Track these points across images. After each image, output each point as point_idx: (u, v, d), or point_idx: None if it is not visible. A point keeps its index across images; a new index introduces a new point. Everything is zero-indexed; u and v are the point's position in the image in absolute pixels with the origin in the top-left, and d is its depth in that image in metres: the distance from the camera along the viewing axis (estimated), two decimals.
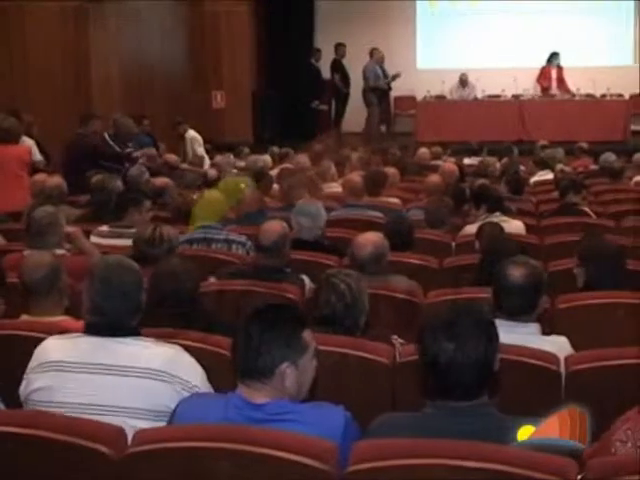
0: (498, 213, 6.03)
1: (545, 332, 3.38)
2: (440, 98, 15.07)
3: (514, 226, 5.91)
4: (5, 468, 2.50)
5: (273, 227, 4.56)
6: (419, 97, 15.06)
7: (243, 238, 5.39)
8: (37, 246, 4.49)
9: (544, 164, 9.95)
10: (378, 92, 14.55)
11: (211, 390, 2.90)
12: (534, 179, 9.58)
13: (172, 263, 3.70)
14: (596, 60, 14.83)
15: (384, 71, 14.64)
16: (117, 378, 2.78)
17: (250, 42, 15.33)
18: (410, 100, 15.28)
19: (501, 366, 2.45)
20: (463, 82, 14.86)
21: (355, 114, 14.94)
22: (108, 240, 5.37)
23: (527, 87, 14.67)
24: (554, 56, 14.77)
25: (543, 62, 14.94)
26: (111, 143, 8.79)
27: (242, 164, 10.22)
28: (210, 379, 2.91)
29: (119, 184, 6.80)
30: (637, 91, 14.79)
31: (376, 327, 3.59)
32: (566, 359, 3.16)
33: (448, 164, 9.13)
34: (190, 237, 5.37)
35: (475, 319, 2.42)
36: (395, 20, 15.97)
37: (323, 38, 15.91)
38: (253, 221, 5.66)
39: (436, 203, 6.34)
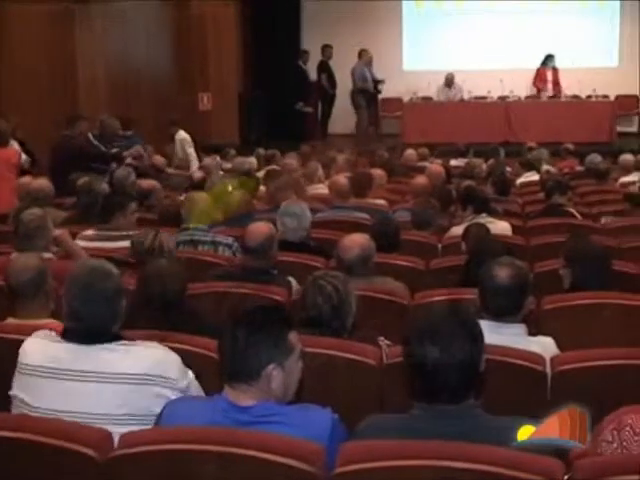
0: (484, 214, 6.04)
1: (531, 333, 3.38)
2: (426, 100, 15.09)
3: (500, 227, 5.92)
4: None
5: (260, 229, 4.56)
6: (406, 99, 15.08)
7: (229, 240, 5.40)
8: (25, 249, 4.47)
9: (530, 165, 9.98)
10: (367, 94, 14.57)
11: (200, 389, 2.89)
12: (520, 180, 9.61)
13: (159, 265, 3.69)
14: (582, 61, 14.87)
15: (372, 75, 14.66)
16: (100, 385, 2.75)
17: (236, 43, 15.29)
18: (397, 102, 15.28)
19: (487, 367, 2.46)
20: (449, 82, 14.86)
21: (343, 116, 14.96)
22: (95, 243, 5.35)
23: (513, 88, 14.69)
24: (549, 58, 14.73)
25: (529, 63, 14.96)
26: (95, 143, 8.77)
27: (229, 166, 10.20)
28: (197, 381, 2.90)
29: (105, 186, 6.78)
30: (623, 92, 14.87)
31: (363, 329, 3.59)
32: (552, 360, 3.17)
33: (435, 165, 9.15)
34: (176, 239, 5.36)
35: (460, 321, 2.43)
36: (381, 21, 15.96)
37: (309, 39, 15.91)
38: (240, 223, 5.65)
39: (423, 204, 6.35)
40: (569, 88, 14.72)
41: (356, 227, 5.52)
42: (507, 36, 15.62)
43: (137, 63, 12.94)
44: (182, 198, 6.52)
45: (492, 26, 15.68)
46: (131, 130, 10.38)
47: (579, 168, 10.24)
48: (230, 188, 6.82)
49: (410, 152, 11.06)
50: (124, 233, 5.37)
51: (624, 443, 2.29)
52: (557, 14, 15.53)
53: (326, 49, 14.94)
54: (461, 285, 4.18)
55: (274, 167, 9.29)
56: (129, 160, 8.78)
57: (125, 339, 2.89)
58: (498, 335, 3.14)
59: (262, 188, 8.01)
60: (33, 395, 2.79)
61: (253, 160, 9.99)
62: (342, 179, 7.34)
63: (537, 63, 14.90)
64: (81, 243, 5.30)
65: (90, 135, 8.80)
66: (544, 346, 3.29)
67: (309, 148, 12.19)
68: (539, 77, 14.89)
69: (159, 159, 9.80)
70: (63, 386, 2.77)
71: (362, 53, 14.64)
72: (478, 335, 2.43)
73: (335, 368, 3.22)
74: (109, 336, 2.85)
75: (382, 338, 3.56)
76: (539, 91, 14.84)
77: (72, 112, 9.83)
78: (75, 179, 7.04)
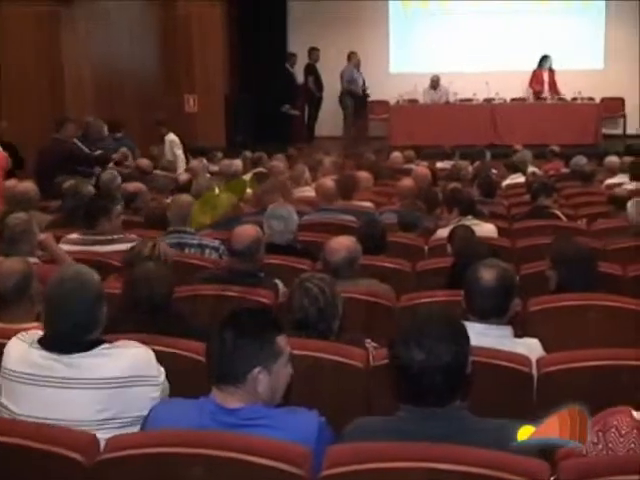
0: (470, 216, 6.05)
1: (517, 334, 3.39)
2: (413, 102, 15.11)
3: (486, 229, 5.94)
4: None
5: (246, 231, 4.55)
6: (392, 101, 15.08)
7: (216, 243, 5.39)
8: (10, 253, 4.44)
9: (515, 167, 10.02)
10: (356, 97, 14.58)
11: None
12: (506, 182, 9.64)
13: (146, 269, 3.67)
14: (567, 63, 14.88)
15: (363, 80, 14.68)
16: (81, 391, 2.74)
17: (222, 44, 15.22)
18: (383, 104, 15.29)
19: (473, 369, 2.46)
20: (434, 84, 14.86)
21: (330, 119, 14.96)
22: (80, 247, 5.32)
23: (498, 90, 14.71)
24: (545, 59, 14.62)
25: (514, 66, 14.98)
26: (79, 145, 8.74)
27: (215, 168, 10.19)
28: (184, 384, 2.90)
29: (91, 189, 6.76)
30: (608, 95, 14.92)
31: (350, 331, 3.59)
32: (538, 361, 3.18)
33: (421, 168, 9.15)
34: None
35: (446, 323, 2.43)
36: (368, 22, 15.96)
37: (295, 40, 15.90)
38: (227, 226, 5.65)
39: (409, 207, 6.37)
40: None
41: (342, 229, 5.53)
42: (493, 38, 15.64)
43: (121, 64, 12.88)
44: (168, 201, 6.50)
45: (477, 27, 15.69)
46: (121, 132, 10.36)
47: (564, 170, 10.26)
48: (217, 191, 6.80)
49: (396, 154, 11.09)
50: (109, 237, 5.36)
51: (609, 444, 2.30)
52: (543, 15, 15.56)
53: (313, 52, 14.95)
54: (447, 287, 4.18)
55: (261, 170, 9.28)
56: (111, 164, 8.77)
57: (107, 342, 2.87)
58: (484, 337, 3.14)
59: (249, 191, 8.00)
60: (15, 402, 2.78)
61: (240, 163, 9.98)
62: (329, 182, 7.35)
63: (523, 66, 14.86)
64: (65, 247, 5.27)
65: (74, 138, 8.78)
66: (530, 348, 3.30)
67: (296, 151, 12.20)
68: (535, 79, 14.79)
69: (144, 161, 9.77)
70: (44, 393, 2.75)
71: (351, 55, 14.67)
72: (464, 337, 2.44)
73: (322, 370, 3.22)
74: (87, 344, 2.82)
75: (369, 340, 3.56)
76: (536, 93, 14.74)
77: (59, 114, 9.80)
78: (61, 182, 7.02)
